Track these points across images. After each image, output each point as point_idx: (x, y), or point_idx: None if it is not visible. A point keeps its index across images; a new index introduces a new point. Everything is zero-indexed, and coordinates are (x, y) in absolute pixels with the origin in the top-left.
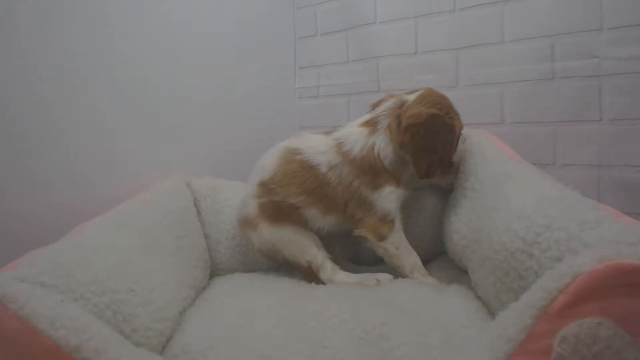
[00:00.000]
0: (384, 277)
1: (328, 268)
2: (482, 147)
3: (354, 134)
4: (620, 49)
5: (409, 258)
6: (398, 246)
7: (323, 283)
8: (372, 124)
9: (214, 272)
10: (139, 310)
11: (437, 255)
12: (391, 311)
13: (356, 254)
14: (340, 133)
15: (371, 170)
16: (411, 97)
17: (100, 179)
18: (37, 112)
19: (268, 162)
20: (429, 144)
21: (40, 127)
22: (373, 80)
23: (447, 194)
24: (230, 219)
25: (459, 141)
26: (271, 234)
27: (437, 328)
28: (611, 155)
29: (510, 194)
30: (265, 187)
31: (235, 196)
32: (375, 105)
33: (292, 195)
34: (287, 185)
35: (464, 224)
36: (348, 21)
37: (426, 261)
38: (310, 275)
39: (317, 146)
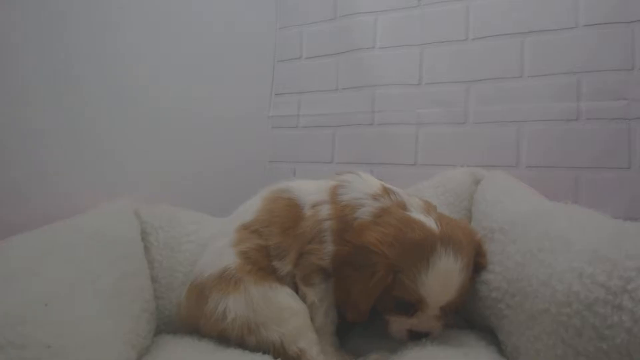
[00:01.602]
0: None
1: None
2: (504, 185)
3: (362, 184)
4: None
5: (324, 317)
6: (321, 298)
7: None
8: (384, 193)
9: (160, 327)
10: None
11: None
12: None
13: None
14: (349, 177)
15: (344, 224)
16: (415, 205)
17: (36, 195)
18: None
19: (252, 203)
20: (343, 279)
21: None
22: (367, 112)
23: None
24: (189, 259)
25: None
26: (262, 294)
27: None
28: None
29: (566, 233)
30: (248, 231)
31: (199, 230)
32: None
33: (272, 236)
34: (270, 225)
35: (495, 274)
36: (341, 44)
37: None
38: None
39: (310, 188)
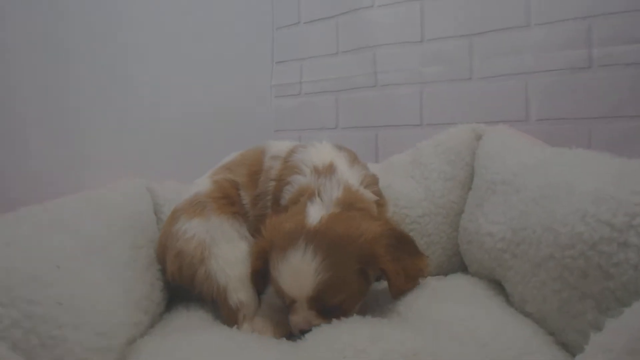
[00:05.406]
0: None
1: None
2: (505, 138)
3: (315, 153)
4: None
5: None
6: None
7: None
8: (325, 171)
9: (174, 294)
10: (66, 333)
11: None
12: (424, 335)
13: None
14: (313, 143)
15: (280, 186)
16: (326, 194)
17: (63, 181)
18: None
19: (234, 154)
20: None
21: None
22: (369, 74)
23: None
24: None
25: None
26: (219, 225)
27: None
28: None
29: (568, 177)
30: (223, 168)
31: None
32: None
33: (241, 175)
34: (240, 165)
35: (500, 225)
36: (339, 6)
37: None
38: (231, 320)
39: (280, 145)
